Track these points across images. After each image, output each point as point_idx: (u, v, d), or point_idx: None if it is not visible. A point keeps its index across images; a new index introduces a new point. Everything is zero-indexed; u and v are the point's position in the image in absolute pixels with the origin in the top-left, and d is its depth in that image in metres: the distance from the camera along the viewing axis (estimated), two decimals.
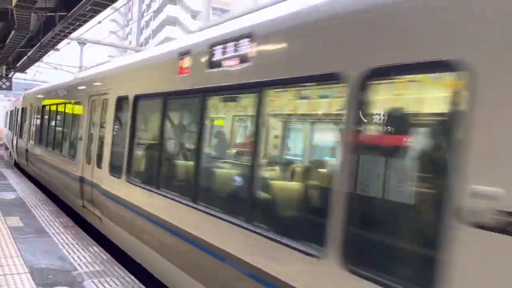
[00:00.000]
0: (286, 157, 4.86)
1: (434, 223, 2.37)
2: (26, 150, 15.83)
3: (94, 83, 8.90)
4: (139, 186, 6.15)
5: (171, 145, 6.11)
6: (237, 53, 4.21)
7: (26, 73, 22.98)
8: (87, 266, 6.12)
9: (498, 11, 2.18)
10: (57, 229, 8.13)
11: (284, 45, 3.75)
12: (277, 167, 4.66)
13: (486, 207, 2.11)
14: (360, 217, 2.94)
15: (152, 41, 63.42)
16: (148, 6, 71.87)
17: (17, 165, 19.22)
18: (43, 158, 12.85)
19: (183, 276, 4.78)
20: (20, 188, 12.68)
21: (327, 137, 3.48)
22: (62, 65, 27.21)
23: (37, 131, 14.15)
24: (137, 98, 6.52)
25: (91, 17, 10.14)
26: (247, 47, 4.07)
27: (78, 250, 6.85)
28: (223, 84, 4.43)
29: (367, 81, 2.86)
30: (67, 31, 11.43)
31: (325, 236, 2.92)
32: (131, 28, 79.95)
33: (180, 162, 5.84)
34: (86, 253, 6.74)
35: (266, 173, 4.39)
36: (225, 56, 4.41)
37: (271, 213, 4.03)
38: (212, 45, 4.64)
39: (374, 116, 3.10)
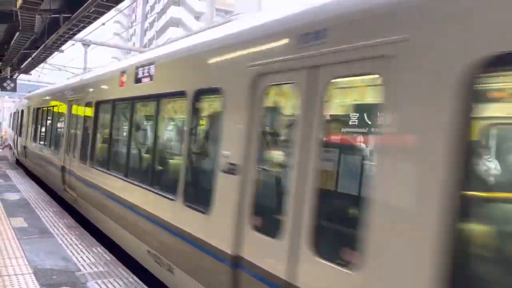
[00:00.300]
0: (170, 144, 6.90)
1: (212, 172, 4.55)
2: (24, 147, 17.71)
3: (72, 91, 11.19)
4: (98, 169, 8.25)
5: (115, 137, 8.25)
6: (148, 74, 6.40)
7: (31, 74, 23.07)
8: (90, 267, 6.14)
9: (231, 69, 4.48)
10: (61, 230, 8.16)
11: (166, 71, 6.08)
12: (165, 151, 6.74)
13: (225, 161, 4.28)
14: (190, 179, 5.21)
15: (156, 42, 63.60)
16: (152, 8, 72.09)
17: (18, 163, 20.20)
18: (37, 153, 15.04)
19: (114, 225, 7.27)
20: (24, 188, 12.74)
21: (185, 130, 5.40)
22: (66, 66, 27.33)
23: (32, 129, 16.38)
24: (98, 103, 8.76)
25: (95, 18, 10.16)
26: (152, 71, 6.30)
27: (81, 251, 6.88)
28: (142, 94, 6.67)
29: (197, 96, 5.11)
30: (71, 32, 11.45)
31: (177, 190, 5.20)
32: (134, 29, 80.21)
33: (119, 149, 8.04)
34: (89, 253, 6.77)
35: (159, 155, 6.49)
36: (143, 75, 6.59)
37: (158, 179, 6.26)
38: (137, 67, 6.85)
39: (200, 116, 5.42)
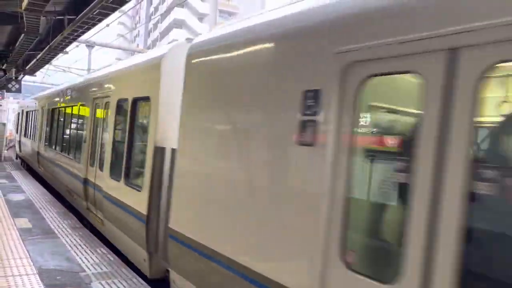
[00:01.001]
0: (73, 131, 11.07)
1: (83, 143, 9.55)
2: (19, 141, 22.83)
3: (42, 100, 16.65)
4: (49, 147, 13.64)
5: (54, 127, 13.49)
6: (70, 93, 11.76)
7: (36, 75, 23.14)
8: (94, 268, 6.16)
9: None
10: (65, 231, 8.19)
11: (69, 94, 11.87)
12: (70, 134, 11.26)
13: (85, 137, 9.48)
14: (77, 146, 10.02)
15: (159, 44, 63.71)
16: (156, 9, 72.27)
17: (18, 158, 23.47)
18: (25, 144, 20.12)
19: (54, 178, 12.53)
20: (29, 189, 12.80)
21: (82, 124, 10.10)
22: (70, 67, 27.44)
23: (23, 127, 21.75)
24: (53, 109, 14.07)
25: (100, 20, 10.18)
26: (71, 92, 11.84)
27: (85, 252, 6.91)
28: (68, 104, 11.68)
29: (80, 105, 10.55)
30: (75, 34, 11.48)
31: (82, 158, 9.33)
32: (138, 30, 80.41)
33: (58, 135, 12.81)
34: (93, 254, 6.79)
35: (70, 136, 11.30)
36: (69, 94, 11.90)
37: (68, 149, 10.97)
38: (67, 89, 12.32)
39: (82, 116, 10.25)
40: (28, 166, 19.06)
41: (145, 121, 6.62)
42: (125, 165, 6.73)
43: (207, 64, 4.61)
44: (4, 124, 23.86)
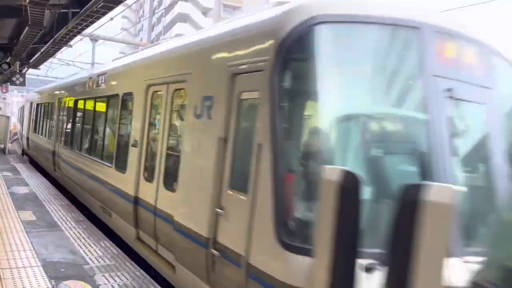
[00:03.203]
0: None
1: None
2: (21, 132, 27.17)
3: (30, 99, 21.04)
4: (36, 134, 17.39)
5: (30, 120, 19.16)
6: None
7: (40, 69, 23.18)
8: (98, 260, 6.20)
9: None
10: (69, 223, 8.24)
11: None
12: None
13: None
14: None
15: (163, 38, 63.59)
16: (160, 3, 72.09)
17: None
18: (19, 128, 26.21)
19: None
20: (33, 182, 12.86)
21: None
22: (74, 61, 27.47)
23: (22, 118, 25.51)
24: (24, 106, 23.09)
25: (104, 13, 10.16)
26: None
27: (89, 244, 6.94)
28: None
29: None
30: (79, 27, 11.47)
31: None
32: (142, 24, 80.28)
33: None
34: (97, 247, 6.83)
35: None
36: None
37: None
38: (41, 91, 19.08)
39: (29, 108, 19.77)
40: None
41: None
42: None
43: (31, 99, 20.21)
44: (8, 117, 23.95)
